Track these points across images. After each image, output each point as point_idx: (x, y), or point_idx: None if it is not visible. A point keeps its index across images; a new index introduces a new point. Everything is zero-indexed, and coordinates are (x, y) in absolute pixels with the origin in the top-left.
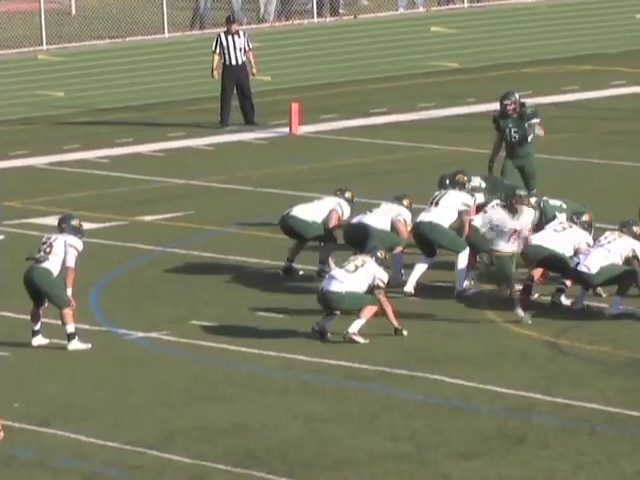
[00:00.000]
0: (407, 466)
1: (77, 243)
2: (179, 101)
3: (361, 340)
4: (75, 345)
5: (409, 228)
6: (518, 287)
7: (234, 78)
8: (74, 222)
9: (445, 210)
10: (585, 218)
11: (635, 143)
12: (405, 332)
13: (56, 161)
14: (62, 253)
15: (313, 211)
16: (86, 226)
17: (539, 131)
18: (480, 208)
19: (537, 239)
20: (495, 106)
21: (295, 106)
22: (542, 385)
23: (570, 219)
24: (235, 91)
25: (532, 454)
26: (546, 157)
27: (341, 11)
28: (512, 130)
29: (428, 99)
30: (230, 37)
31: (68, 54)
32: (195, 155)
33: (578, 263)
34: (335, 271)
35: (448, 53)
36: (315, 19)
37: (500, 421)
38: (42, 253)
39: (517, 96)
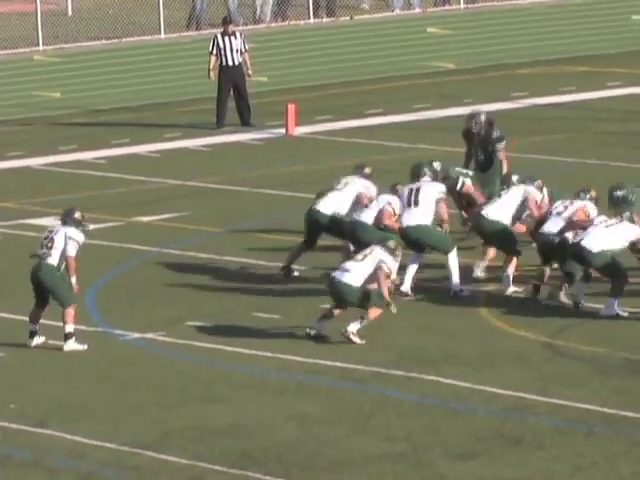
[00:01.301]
0: (403, 467)
1: (77, 235)
2: (175, 102)
3: (357, 340)
4: (71, 346)
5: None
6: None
7: (230, 79)
8: (76, 215)
9: (425, 207)
10: (592, 194)
11: (631, 144)
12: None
13: (52, 162)
14: (62, 245)
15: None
16: None
17: (502, 157)
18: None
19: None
20: (491, 107)
21: (291, 107)
22: (538, 386)
23: (577, 195)
24: (231, 92)
25: (528, 455)
26: (543, 158)
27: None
28: (477, 152)
29: (424, 100)
30: (227, 38)
31: (64, 55)
32: (191, 156)
33: (581, 239)
34: (347, 262)
35: (444, 54)
36: (311, 20)
37: (496, 422)
38: (44, 249)
39: (483, 118)
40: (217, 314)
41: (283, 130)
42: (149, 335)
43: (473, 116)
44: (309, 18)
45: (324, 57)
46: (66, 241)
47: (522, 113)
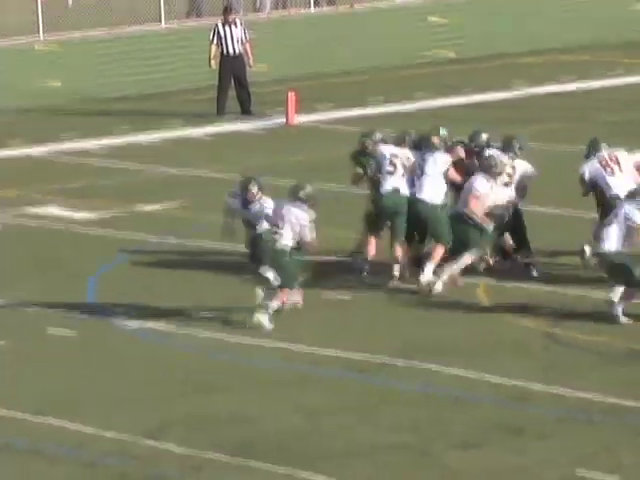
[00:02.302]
0: (408, 457)
1: (304, 218)
2: (176, 91)
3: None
4: (261, 318)
5: None
6: None
7: (231, 68)
8: (304, 192)
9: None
10: None
11: (632, 133)
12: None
13: (53, 150)
14: (295, 227)
15: None
16: (83, 215)
17: None
18: None
19: None
20: (492, 96)
21: (292, 96)
22: (539, 375)
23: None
24: (232, 81)
25: (530, 445)
26: (544, 147)
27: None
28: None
29: (425, 89)
30: (227, 27)
31: (65, 44)
32: (192, 145)
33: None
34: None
35: (445, 43)
36: (312, 9)
37: (498, 412)
38: (274, 227)
39: (378, 136)
40: (219, 304)
41: (283, 119)
42: (150, 325)
43: (368, 134)
44: (309, 7)
45: (324, 46)
46: (298, 225)
47: (522, 102)
